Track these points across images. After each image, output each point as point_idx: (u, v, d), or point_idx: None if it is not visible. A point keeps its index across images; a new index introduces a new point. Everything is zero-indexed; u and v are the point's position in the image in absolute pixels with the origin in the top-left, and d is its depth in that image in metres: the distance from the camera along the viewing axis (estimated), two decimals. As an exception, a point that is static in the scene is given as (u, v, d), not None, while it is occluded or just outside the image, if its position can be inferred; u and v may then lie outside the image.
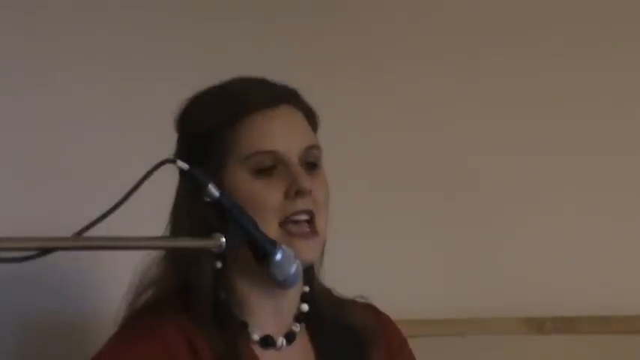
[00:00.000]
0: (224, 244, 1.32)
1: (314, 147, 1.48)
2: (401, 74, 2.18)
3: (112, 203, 1.27)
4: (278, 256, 1.35)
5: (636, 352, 2.30)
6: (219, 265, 1.46)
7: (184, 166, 1.34)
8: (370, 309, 1.63)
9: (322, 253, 1.54)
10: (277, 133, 1.47)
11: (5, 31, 1.88)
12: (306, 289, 1.54)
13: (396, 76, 2.18)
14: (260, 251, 1.35)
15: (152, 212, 1.49)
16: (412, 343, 1.73)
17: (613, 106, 2.35)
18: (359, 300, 1.64)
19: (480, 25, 2.26)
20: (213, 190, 1.34)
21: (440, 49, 2.21)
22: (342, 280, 1.63)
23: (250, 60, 1.95)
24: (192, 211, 1.44)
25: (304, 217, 1.46)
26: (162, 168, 1.31)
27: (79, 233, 1.28)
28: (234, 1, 2.05)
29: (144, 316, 1.47)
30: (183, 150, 1.45)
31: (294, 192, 1.45)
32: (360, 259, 2.02)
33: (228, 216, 1.36)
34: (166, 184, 1.44)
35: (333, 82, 2.06)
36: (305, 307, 1.54)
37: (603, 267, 2.44)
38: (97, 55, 1.94)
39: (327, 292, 1.58)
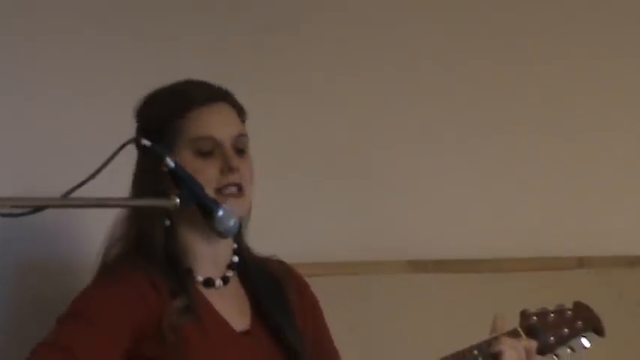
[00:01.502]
0: (179, 203, 1.66)
1: (243, 135, 1.86)
2: (318, 76, 2.53)
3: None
4: (220, 212, 1.69)
5: (502, 290, 2.61)
6: (167, 222, 1.82)
7: (148, 143, 1.69)
8: (281, 262, 2.03)
9: (247, 220, 1.91)
10: (215, 123, 1.84)
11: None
12: (235, 245, 1.91)
13: (312, 80, 2.52)
14: (206, 209, 1.69)
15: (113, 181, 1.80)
16: (314, 283, 2.08)
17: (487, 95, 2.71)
18: (272, 257, 2.03)
19: (380, 21, 2.60)
20: (170, 161, 1.69)
21: (351, 48, 2.55)
22: (262, 237, 1.99)
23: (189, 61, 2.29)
24: (151, 179, 1.78)
25: (234, 189, 1.83)
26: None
27: (65, 195, 1.62)
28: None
29: (115, 266, 1.83)
30: (143, 133, 1.80)
31: (227, 169, 1.82)
32: (273, 217, 2.31)
33: (181, 182, 1.70)
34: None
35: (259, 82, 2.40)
36: (235, 258, 1.92)
37: (474, 217, 2.77)
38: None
39: (249, 249, 1.96)
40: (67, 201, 1.68)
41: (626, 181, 3.00)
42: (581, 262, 2.83)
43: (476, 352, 2.05)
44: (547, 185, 2.87)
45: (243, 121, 1.93)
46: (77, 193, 1.67)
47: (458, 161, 2.81)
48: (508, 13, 2.82)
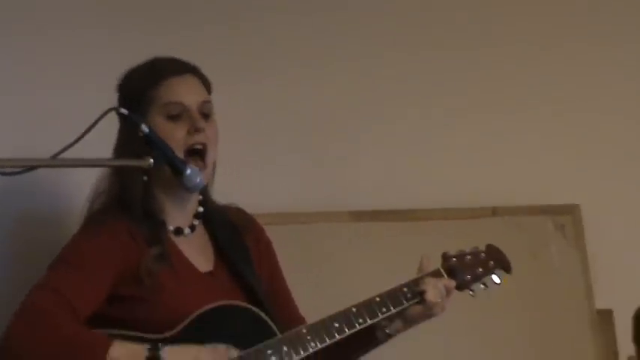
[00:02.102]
0: (152, 163, 1.92)
1: (207, 102, 2.11)
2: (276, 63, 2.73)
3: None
4: (188, 171, 1.95)
5: (428, 236, 2.81)
6: (145, 178, 2.05)
7: (125, 111, 1.95)
8: (240, 210, 2.25)
9: (213, 174, 2.14)
10: (183, 91, 2.09)
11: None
12: (201, 197, 2.15)
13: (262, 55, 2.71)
14: (176, 168, 1.95)
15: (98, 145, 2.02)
16: (270, 230, 2.29)
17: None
18: (232, 205, 2.24)
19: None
20: (145, 127, 1.94)
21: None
22: (223, 189, 2.26)
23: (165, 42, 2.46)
24: (129, 143, 2.02)
25: (200, 147, 2.07)
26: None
27: (54, 156, 1.85)
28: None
29: (98, 217, 2.06)
30: (123, 103, 2.05)
31: (193, 130, 2.06)
32: (232, 172, 2.40)
33: (154, 145, 1.95)
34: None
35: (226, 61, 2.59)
36: (201, 209, 2.16)
37: (404, 171, 2.95)
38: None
39: (213, 200, 2.19)
40: (56, 161, 1.91)
41: (534, 136, 3.13)
42: (496, 211, 3.01)
43: (405, 289, 2.23)
44: (467, 144, 3.03)
45: (208, 91, 2.16)
46: (66, 155, 1.86)
47: (391, 123, 2.96)
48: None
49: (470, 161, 3.06)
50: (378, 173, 2.98)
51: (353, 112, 2.96)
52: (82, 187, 2.20)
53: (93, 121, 1.92)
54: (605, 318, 3.09)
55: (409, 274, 2.31)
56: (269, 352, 2.11)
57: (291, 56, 2.83)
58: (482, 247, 2.41)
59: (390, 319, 2.25)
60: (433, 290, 2.21)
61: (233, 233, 2.22)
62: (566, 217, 3.13)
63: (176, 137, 2.06)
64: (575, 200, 3.11)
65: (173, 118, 2.08)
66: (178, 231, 2.12)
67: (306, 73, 2.86)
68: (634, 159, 3.22)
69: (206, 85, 2.16)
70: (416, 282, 2.23)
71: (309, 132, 2.89)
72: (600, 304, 3.08)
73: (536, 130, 3.16)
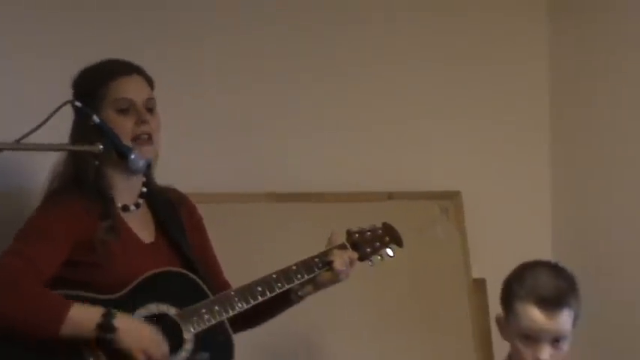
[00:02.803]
0: (102, 149, 2.20)
1: (151, 98, 2.35)
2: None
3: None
4: (132, 156, 2.21)
5: (335, 216, 2.96)
6: (97, 162, 2.27)
7: (79, 104, 2.22)
8: (176, 190, 2.49)
9: (156, 160, 2.37)
10: (131, 88, 2.32)
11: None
12: (145, 179, 2.38)
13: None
14: (122, 153, 2.22)
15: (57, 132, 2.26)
16: (201, 209, 2.50)
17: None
18: (170, 186, 2.49)
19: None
20: (95, 118, 2.21)
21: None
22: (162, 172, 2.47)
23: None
24: (83, 131, 2.26)
25: (146, 136, 2.30)
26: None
27: (18, 140, 2.12)
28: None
29: (57, 194, 2.29)
30: (78, 97, 2.27)
31: (139, 121, 2.30)
32: (169, 157, 2.53)
33: (104, 133, 2.22)
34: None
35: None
36: (144, 189, 2.40)
37: (316, 156, 3.11)
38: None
39: (155, 182, 2.42)
40: (20, 145, 2.16)
41: (426, 130, 3.30)
42: (391, 196, 3.20)
43: (317, 259, 2.47)
44: (370, 136, 3.21)
45: (152, 88, 2.38)
46: (28, 140, 2.12)
47: (304, 112, 3.12)
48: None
49: (371, 151, 3.21)
50: (293, 158, 3.11)
51: (272, 101, 3.07)
52: (42, 169, 2.36)
53: (52, 111, 2.15)
54: (479, 286, 3.28)
55: (319, 249, 2.51)
56: (203, 310, 2.33)
57: (219, 50, 2.97)
58: (380, 225, 2.59)
59: (303, 284, 2.46)
60: (339, 260, 2.46)
61: (171, 210, 2.44)
62: (449, 201, 3.31)
63: (125, 128, 2.29)
64: (457, 187, 3.29)
65: (122, 111, 2.31)
66: (125, 208, 2.35)
67: (231, 65, 2.99)
68: (507, 153, 3.36)
69: (150, 83, 2.39)
70: (325, 253, 2.47)
71: (231, 119, 3.00)
72: (476, 274, 3.27)
73: (428, 124, 3.30)
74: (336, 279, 2.47)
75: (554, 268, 2.44)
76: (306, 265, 2.45)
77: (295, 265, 2.46)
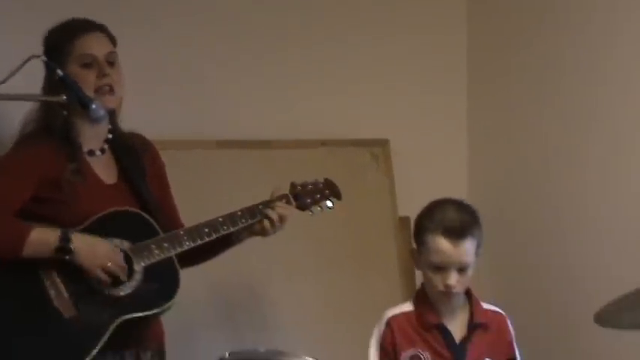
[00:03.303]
0: (65, 99, 2.38)
1: (113, 52, 2.53)
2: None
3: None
4: (93, 106, 2.38)
5: (281, 163, 3.15)
6: (65, 112, 2.45)
7: (45, 58, 2.39)
8: (140, 136, 2.65)
9: (119, 109, 2.55)
10: (93, 44, 2.51)
11: None
12: (110, 127, 2.56)
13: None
14: (84, 104, 2.39)
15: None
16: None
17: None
18: (135, 132, 2.65)
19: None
20: (59, 72, 2.38)
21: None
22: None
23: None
24: (49, 83, 2.44)
25: (107, 88, 2.49)
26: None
27: None
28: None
29: (27, 138, 2.47)
30: (47, 54, 2.45)
31: (101, 75, 2.48)
32: (131, 106, 2.65)
33: (68, 85, 2.39)
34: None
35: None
36: (110, 135, 2.57)
37: (263, 104, 3.26)
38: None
39: (120, 129, 2.59)
40: None
41: (359, 81, 3.45)
42: (325, 143, 3.36)
43: (261, 206, 2.64)
44: (308, 85, 3.35)
45: (114, 44, 2.55)
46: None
47: (251, 63, 3.25)
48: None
49: (309, 101, 3.36)
50: (243, 107, 3.25)
51: (220, 51, 3.22)
52: (15, 115, 2.54)
53: (19, 65, 2.30)
54: (404, 223, 3.42)
55: (262, 194, 2.67)
56: (153, 246, 2.51)
57: (170, 1, 3.13)
58: (322, 180, 2.77)
59: (245, 228, 2.63)
60: (281, 208, 2.63)
61: (134, 156, 2.61)
62: (378, 148, 3.48)
63: (88, 81, 2.47)
64: (386, 136, 3.48)
65: (86, 66, 2.49)
66: (91, 152, 2.54)
67: (183, 16, 3.16)
68: (429, 105, 3.58)
69: (112, 40, 2.56)
70: (269, 201, 2.64)
71: (183, 70, 3.17)
72: (401, 212, 3.45)
73: (360, 78, 3.45)
74: (278, 224, 2.64)
75: (460, 204, 2.62)
76: (251, 211, 2.62)
77: (240, 210, 2.61)
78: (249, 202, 2.67)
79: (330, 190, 2.76)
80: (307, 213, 2.75)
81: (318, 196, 2.74)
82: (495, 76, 3.58)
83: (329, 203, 2.76)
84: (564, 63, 3.28)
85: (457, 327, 2.61)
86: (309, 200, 2.73)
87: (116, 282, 2.46)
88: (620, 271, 3.03)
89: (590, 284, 3.14)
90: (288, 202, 2.69)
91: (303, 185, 2.72)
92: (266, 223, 2.62)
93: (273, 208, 2.62)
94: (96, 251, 2.41)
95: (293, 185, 2.71)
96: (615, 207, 3.15)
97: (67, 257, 2.38)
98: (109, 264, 2.41)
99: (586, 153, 3.24)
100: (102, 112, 2.41)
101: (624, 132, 3.10)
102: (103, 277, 2.40)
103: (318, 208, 2.75)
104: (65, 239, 2.37)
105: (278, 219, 2.61)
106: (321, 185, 2.74)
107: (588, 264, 3.22)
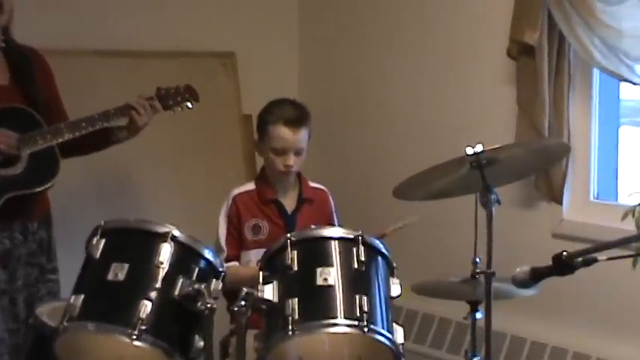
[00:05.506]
0: None
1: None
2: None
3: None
4: None
5: (148, 71, 3.36)
6: None
7: None
8: (32, 48, 2.86)
9: (11, 20, 2.70)
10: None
11: None
12: (3, 37, 2.75)
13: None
14: None
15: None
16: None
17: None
18: (27, 45, 2.80)
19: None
20: None
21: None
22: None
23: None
24: None
25: None
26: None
27: None
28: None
29: None
30: None
31: None
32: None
33: None
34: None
35: None
36: (3, 45, 2.81)
37: (137, 17, 3.45)
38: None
39: (14, 41, 2.78)
40: None
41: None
42: (186, 54, 3.58)
43: (130, 104, 2.85)
44: (174, 3, 3.57)
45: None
46: None
47: None
48: None
49: (172, 15, 3.58)
50: (120, 18, 3.42)
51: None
52: None
53: None
54: (247, 120, 3.72)
55: (132, 98, 2.90)
56: (38, 137, 2.73)
57: None
58: (183, 85, 2.96)
59: (121, 128, 2.85)
60: (142, 100, 2.88)
61: (25, 62, 2.81)
62: (227, 59, 3.75)
63: None
64: (232, 48, 3.77)
65: None
66: None
67: None
68: (267, 20, 3.85)
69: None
70: (131, 103, 2.87)
71: None
72: (245, 111, 3.76)
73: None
74: (145, 120, 2.85)
75: (294, 102, 2.95)
76: (122, 109, 2.85)
77: (113, 109, 2.84)
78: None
79: (190, 93, 2.95)
80: (169, 112, 2.96)
81: (179, 98, 2.94)
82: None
83: (189, 104, 2.96)
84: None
85: (289, 201, 2.92)
86: (171, 102, 2.93)
87: (5, 164, 2.67)
88: (412, 154, 3.44)
89: (390, 166, 3.54)
90: (153, 103, 2.90)
91: (167, 89, 2.92)
92: (133, 113, 2.82)
93: (136, 103, 2.85)
94: None
95: (159, 89, 2.91)
96: (412, 106, 3.57)
97: None
98: (2, 145, 2.60)
99: (391, 63, 3.64)
100: None
101: (419, 44, 3.50)
102: None
103: (179, 109, 2.96)
104: None
105: (141, 107, 2.79)
106: (182, 89, 2.94)
107: (389, 149, 3.62)
